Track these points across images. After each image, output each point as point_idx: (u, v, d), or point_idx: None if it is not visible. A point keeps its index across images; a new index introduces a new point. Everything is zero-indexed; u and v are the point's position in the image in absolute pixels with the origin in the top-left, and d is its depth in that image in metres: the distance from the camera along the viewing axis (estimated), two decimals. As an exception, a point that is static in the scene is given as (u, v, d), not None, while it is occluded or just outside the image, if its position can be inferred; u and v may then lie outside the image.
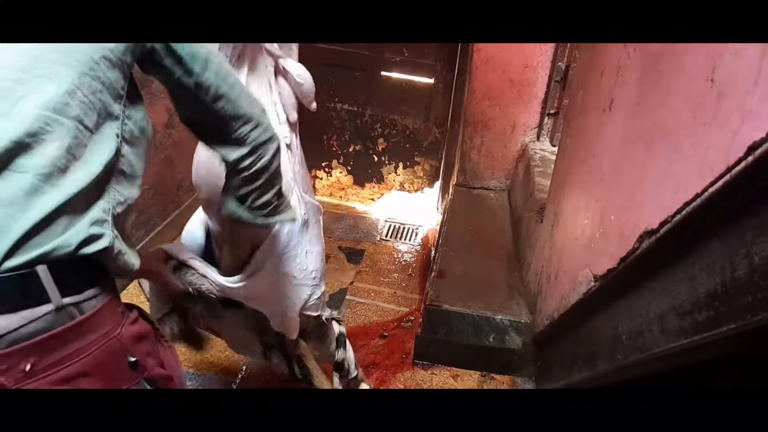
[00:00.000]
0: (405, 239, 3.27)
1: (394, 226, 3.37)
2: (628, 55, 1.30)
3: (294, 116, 1.38)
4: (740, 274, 0.78)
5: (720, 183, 0.80)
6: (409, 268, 2.99)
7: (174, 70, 0.92)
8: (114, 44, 0.81)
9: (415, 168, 3.68)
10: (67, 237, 0.74)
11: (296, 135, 1.43)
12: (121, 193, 0.85)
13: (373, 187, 3.79)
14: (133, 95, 0.89)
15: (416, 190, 3.74)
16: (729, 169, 0.77)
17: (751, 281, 0.75)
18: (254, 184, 1.10)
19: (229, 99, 0.97)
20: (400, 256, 3.09)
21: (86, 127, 0.77)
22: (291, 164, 1.38)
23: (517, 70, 2.84)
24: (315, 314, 1.56)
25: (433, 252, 3.00)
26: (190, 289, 1.31)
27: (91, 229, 0.77)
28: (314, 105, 1.40)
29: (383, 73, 3.37)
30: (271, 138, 1.06)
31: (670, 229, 0.97)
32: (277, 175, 1.13)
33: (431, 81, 3.37)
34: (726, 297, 0.81)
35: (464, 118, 3.05)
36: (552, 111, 2.89)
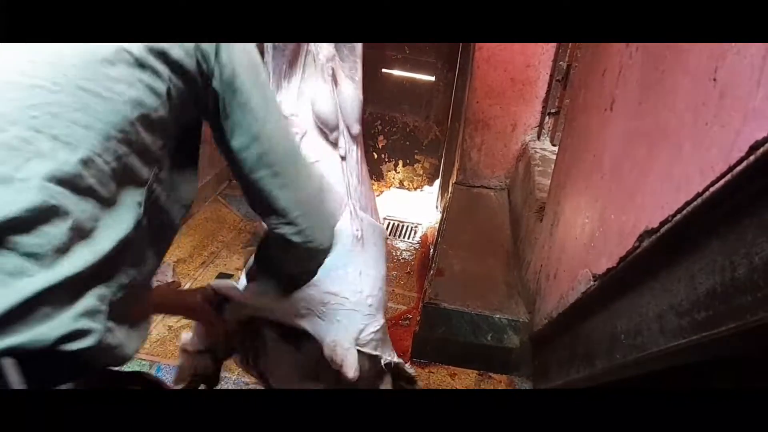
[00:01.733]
0: (404, 237, 3.27)
1: (393, 223, 3.37)
2: (630, 55, 1.30)
3: (355, 129, 1.37)
4: (740, 273, 0.78)
5: (721, 182, 0.79)
6: (408, 266, 2.99)
7: (224, 137, 0.84)
8: (159, 102, 0.71)
9: (415, 166, 3.68)
10: (44, 330, 0.62)
11: (358, 147, 1.40)
12: (129, 273, 0.73)
13: (373, 184, 3.78)
14: (179, 159, 0.80)
15: (416, 188, 3.74)
16: (730, 169, 0.77)
17: (751, 281, 0.75)
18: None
19: (264, 189, 0.87)
20: (398, 254, 3.09)
21: (100, 199, 0.66)
22: (345, 176, 1.33)
23: (519, 69, 2.84)
24: (373, 353, 1.38)
25: (432, 250, 3.00)
26: (236, 323, 1.21)
27: (77, 323, 0.65)
28: (334, 135, 1.35)
29: (384, 70, 3.36)
30: (310, 242, 0.92)
31: (670, 228, 0.97)
32: (308, 274, 1.07)
33: (432, 79, 3.37)
34: (725, 296, 0.81)
35: (465, 116, 3.04)
36: (553, 110, 2.89)
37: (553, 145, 2.85)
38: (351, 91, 1.36)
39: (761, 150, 0.71)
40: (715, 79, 0.85)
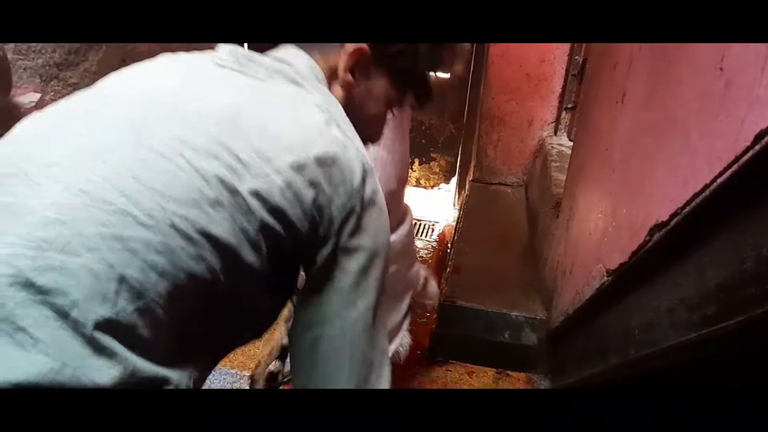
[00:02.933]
0: (421, 235, 3.26)
1: (411, 222, 3.37)
2: (639, 48, 1.28)
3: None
4: (748, 266, 0.76)
5: (728, 173, 0.78)
6: (425, 264, 2.98)
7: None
8: (254, 255, 0.64)
9: (431, 164, 3.68)
10: None
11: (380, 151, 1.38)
12: None
13: (390, 183, 3.79)
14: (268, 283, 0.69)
15: (432, 186, 3.74)
16: (736, 159, 0.75)
17: (758, 273, 0.73)
18: None
19: (299, 362, 0.76)
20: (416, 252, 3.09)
21: (148, 350, 0.58)
22: None
23: (534, 65, 2.82)
24: None
25: (449, 248, 2.99)
26: None
27: None
28: None
29: (399, 68, 3.37)
30: None
31: (679, 221, 0.95)
32: None
33: (447, 76, 3.36)
34: (733, 289, 0.79)
35: (480, 113, 3.03)
36: (569, 105, 2.86)
37: (570, 141, 2.82)
38: None
39: (766, 139, 0.69)
40: (721, 68, 0.83)
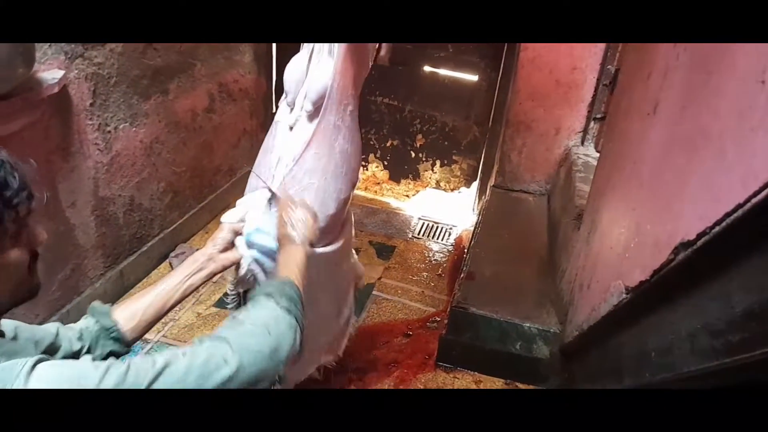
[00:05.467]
0: (438, 238, 3.22)
1: (428, 224, 3.32)
2: (676, 57, 1.22)
3: (308, 106, 1.37)
4: (780, 294, 0.71)
5: (764, 193, 0.73)
6: (440, 268, 2.94)
7: None
8: None
9: (453, 167, 3.62)
10: None
11: (317, 129, 1.35)
12: None
13: (409, 183, 3.74)
14: None
15: (453, 190, 3.68)
16: (775, 179, 0.70)
17: (792, 303, 0.68)
18: None
19: None
20: (431, 255, 3.04)
21: None
22: (283, 146, 1.38)
23: (565, 72, 2.75)
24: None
25: (466, 253, 2.94)
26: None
27: None
28: (289, 98, 1.41)
29: (426, 68, 3.32)
30: None
31: (708, 241, 0.90)
32: None
33: (475, 78, 3.31)
34: (763, 318, 0.74)
35: (506, 118, 2.98)
36: (599, 115, 2.79)
37: (597, 152, 2.75)
38: (325, 71, 1.32)
39: (810, 159, 0.64)
40: (763, 82, 0.78)
